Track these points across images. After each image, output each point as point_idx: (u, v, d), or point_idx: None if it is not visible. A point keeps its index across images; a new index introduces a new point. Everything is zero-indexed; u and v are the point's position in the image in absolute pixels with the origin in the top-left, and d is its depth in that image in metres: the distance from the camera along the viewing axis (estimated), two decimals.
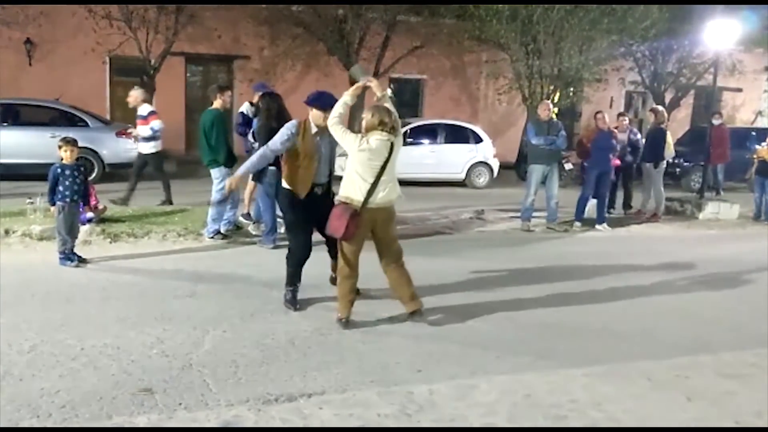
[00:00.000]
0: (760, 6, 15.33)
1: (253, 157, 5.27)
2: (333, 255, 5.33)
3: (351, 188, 4.83)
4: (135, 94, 9.34)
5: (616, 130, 10.10)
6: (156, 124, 9.19)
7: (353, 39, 16.59)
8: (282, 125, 7.37)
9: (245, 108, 8.19)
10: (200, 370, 3.99)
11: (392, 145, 4.81)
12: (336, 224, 4.79)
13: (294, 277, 5.31)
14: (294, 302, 5.28)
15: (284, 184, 5.25)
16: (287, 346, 4.44)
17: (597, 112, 9.94)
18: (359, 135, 4.84)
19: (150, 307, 5.10)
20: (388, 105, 4.95)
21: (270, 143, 5.23)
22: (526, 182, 9.55)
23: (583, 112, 19.99)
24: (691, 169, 15.09)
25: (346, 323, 4.90)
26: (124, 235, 7.38)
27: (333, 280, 5.45)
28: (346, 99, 4.96)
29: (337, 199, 5.07)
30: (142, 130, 9.27)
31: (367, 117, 4.83)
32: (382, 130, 4.76)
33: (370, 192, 4.78)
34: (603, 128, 9.56)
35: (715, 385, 4.17)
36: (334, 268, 5.29)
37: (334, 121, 4.87)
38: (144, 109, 9.32)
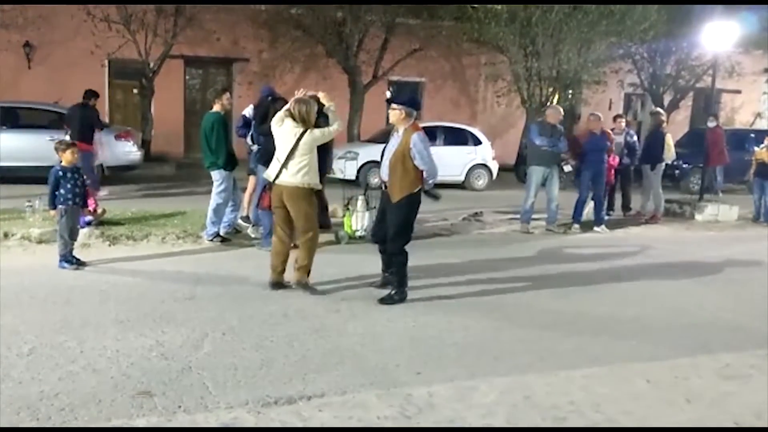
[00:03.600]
0: (759, 7, 15.34)
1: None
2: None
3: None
4: None
5: (610, 132, 10.08)
6: None
7: (352, 41, 16.61)
8: None
9: (248, 111, 8.21)
10: (199, 372, 3.99)
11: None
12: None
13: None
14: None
15: (415, 189, 5.57)
16: (286, 349, 4.44)
17: (591, 114, 9.96)
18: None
19: (149, 309, 5.10)
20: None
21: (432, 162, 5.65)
22: (526, 184, 9.55)
23: (582, 115, 19.99)
24: (690, 171, 15.09)
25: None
26: (123, 237, 7.39)
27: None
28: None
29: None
30: None
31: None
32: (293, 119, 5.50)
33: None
34: (595, 131, 9.56)
35: (715, 386, 4.16)
36: None
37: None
38: None
